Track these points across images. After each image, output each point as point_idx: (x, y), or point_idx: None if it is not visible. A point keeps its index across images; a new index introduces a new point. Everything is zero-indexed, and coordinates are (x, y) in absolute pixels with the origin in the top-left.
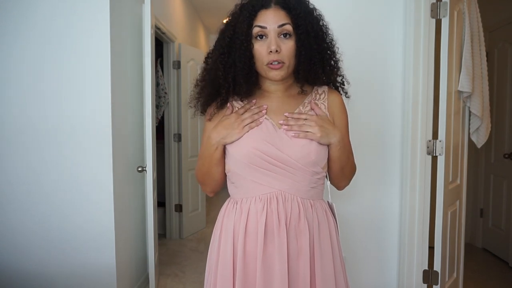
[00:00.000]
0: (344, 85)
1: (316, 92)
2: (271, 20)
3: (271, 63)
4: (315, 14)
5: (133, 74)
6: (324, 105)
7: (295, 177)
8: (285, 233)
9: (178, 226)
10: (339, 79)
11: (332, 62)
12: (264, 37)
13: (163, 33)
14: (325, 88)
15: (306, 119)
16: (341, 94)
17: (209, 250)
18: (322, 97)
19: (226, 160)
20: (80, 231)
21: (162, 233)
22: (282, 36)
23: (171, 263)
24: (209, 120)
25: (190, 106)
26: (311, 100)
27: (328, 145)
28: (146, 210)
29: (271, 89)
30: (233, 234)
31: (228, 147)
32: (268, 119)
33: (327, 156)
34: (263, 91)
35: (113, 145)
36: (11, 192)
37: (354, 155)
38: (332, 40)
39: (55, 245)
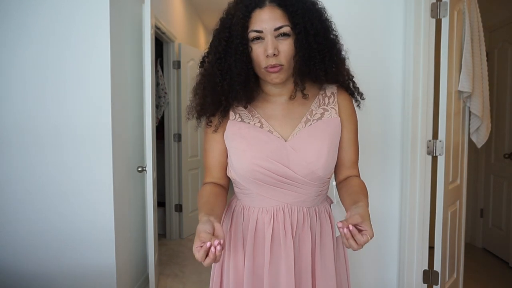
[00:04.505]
0: (357, 87)
1: (323, 94)
2: (266, 22)
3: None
4: (316, 7)
5: (133, 74)
6: (335, 110)
7: (302, 190)
8: (291, 246)
9: (178, 226)
10: (348, 80)
11: (337, 59)
12: (261, 38)
13: (163, 33)
14: (334, 88)
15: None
16: (356, 99)
17: None
18: (331, 101)
19: (230, 168)
20: (80, 231)
21: (162, 233)
22: (280, 35)
23: (171, 263)
24: (215, 131)
25: (189, 118)
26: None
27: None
28: (146, 210)
29: (274, 93)
30: (242, 240)
31: (231, 160)
32: (273, 132)
33: (334, 166)
34: (265, 95)
35: (113, 145)
36: (11, 192)
37: None
38: (337, 36)
39: (55, 245)
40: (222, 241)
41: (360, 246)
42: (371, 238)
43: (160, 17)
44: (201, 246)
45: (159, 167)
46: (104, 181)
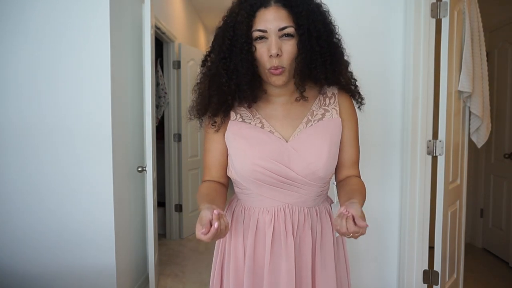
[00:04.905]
0: (358, 92)
1: (324, 95)
2: (271, 22)
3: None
4: (320, 9)
5: (133, 74)
6: (336, 110)
7: (302, 191)
8: (292, 246)
9: (178, 226)
10: (351, 83)
11: (338, 62)
12: (264, 38)
13: (163, 33)
14: (335, 89)
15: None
16: (357, 102)
17: (215, 247)
18: (332, 102)
19: (231, 168)
20: (80, 231)
21: (162, 233)
22: (284, 36)
23: (171, 263)
24: (216, 131)
25: (191, 118)
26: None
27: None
28: (146, 210)
29: (276, 93)
30: (243, 240)
31: (232, 160)
32: (274, 132)
33: (335, 166)
34: (268, 96)
35: (113, 145)
36: (10, 192)
37: None
38: (339, 40)
39: (55, 245)
40: (219, 212)
41: (347, 234)
42: (362, 234)
43: (160, 17)
44: (204, 232)
45: (159, 167)
46: (104, 181)
